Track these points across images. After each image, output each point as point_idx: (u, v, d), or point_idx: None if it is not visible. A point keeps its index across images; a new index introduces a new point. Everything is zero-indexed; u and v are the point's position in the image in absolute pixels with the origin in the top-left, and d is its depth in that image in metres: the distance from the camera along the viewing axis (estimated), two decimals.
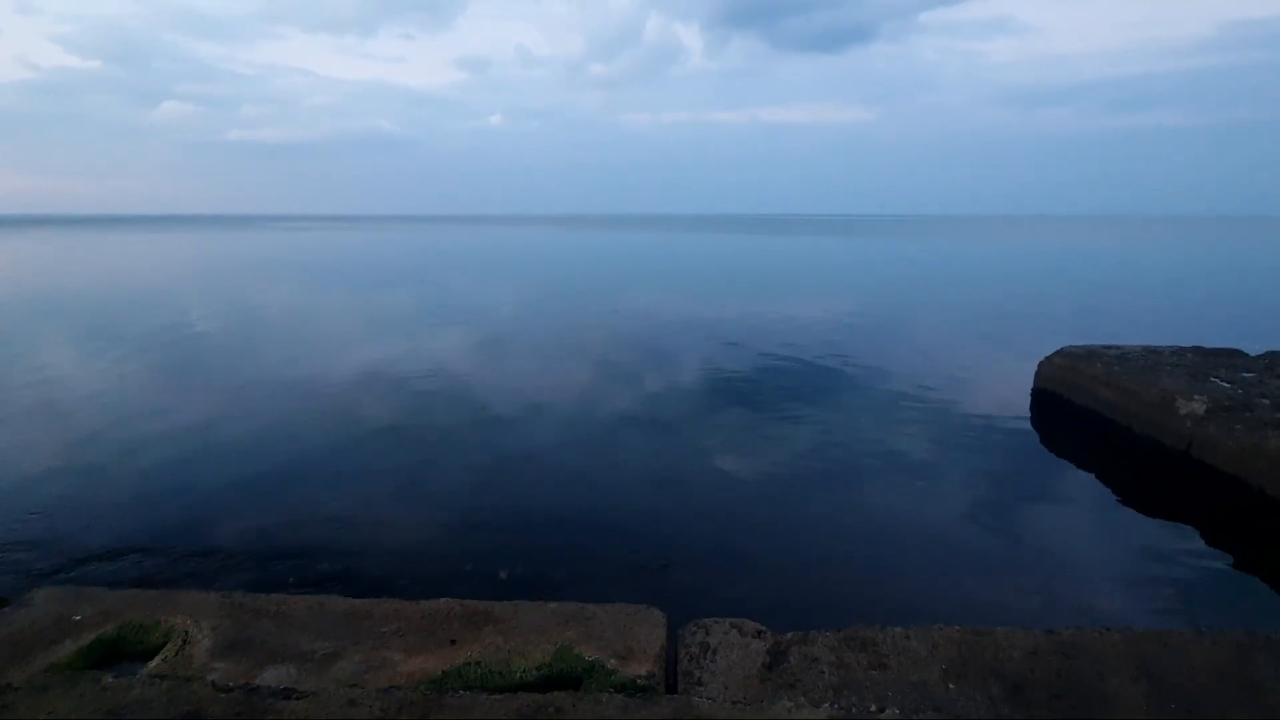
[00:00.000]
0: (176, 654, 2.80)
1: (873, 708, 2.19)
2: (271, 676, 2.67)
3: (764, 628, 2.94)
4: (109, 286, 21.65)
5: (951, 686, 2.54)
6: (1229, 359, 7.23)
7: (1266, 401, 5.69)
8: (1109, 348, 7.75)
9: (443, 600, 3.18)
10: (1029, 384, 8.19)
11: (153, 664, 2.77)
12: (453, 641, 2.87)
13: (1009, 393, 8.31)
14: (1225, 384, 6.22)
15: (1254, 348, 7.64)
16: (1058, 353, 7.84)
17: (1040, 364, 8.03)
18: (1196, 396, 5.82)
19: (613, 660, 2.72)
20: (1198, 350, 7.58)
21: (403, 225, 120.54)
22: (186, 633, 2.93)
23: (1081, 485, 5.80)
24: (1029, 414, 7.65)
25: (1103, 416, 6.71)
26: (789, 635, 2.88)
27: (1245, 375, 6.53)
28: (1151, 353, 7.46)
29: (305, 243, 53.76)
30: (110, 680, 2.34)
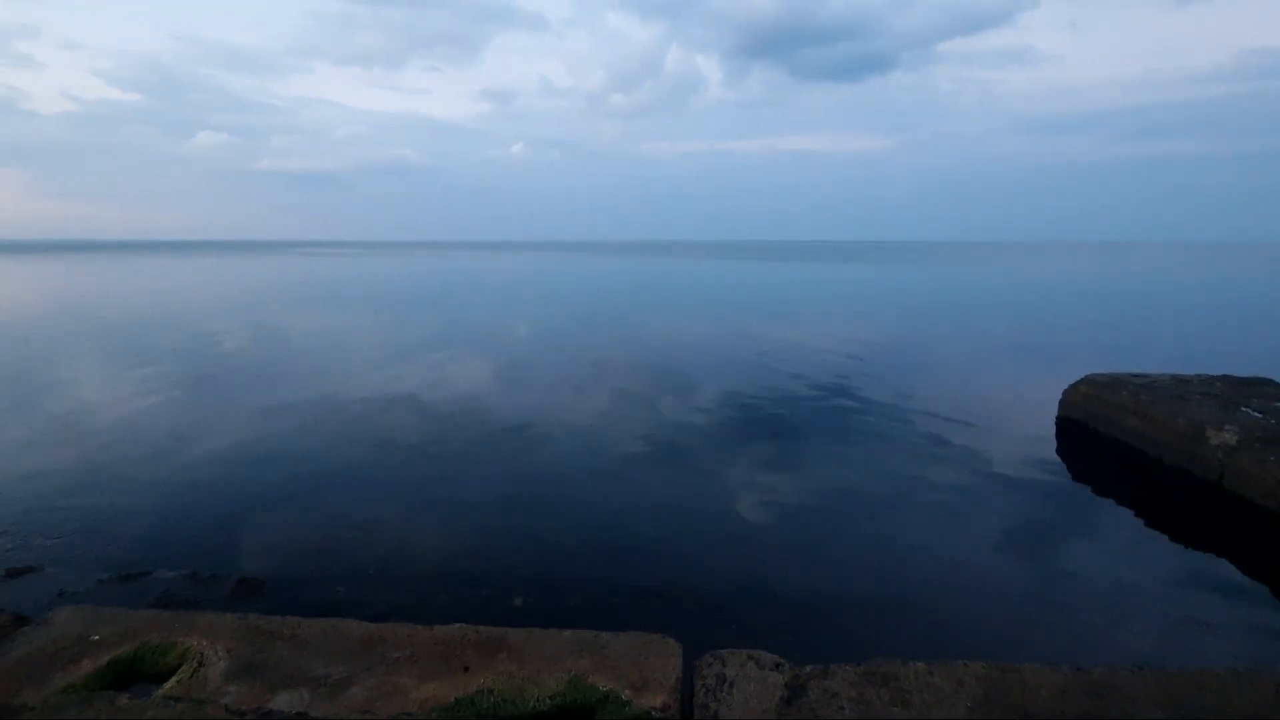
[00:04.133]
0: (191, 676, 2.80)
1: None
2: (284, 701, 2.65)
3: (782, 660, 2.88)
4: (140, 308, 22.18)
5: None
6: (1260, 388, 7.05)
7: None
8: (1135, 376, 7.61)
9: (456, 626, 3.16)
10: (1053, 412, 8.04)
11: (168, 685, 2.77)
12: (466, 668, 2.84)
13: (1033, 421, 8.16)
14: (1257, 414, 6.06)
15: None
16: (1082, 380, 7.71)
17: (1065, 392, 7.89)
18: (1227, 426, 5.67)
19: (627, 691, 2.67)
20: (1227, 379, 7.41)
21: (425, 251, 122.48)
22: (202, 654, 2.94)
23: (1109, 516, 5.65)
24: (1054, 443, 7.50)
25: (1130, 446, 6.56)
26: (808, 668, 2.81)
27: (1277, 405, 6.36)
28: (1180, 381, 7.31)
29: (331, 268, 54.82)
30: (125, 701, 2.35)
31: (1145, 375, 7.65)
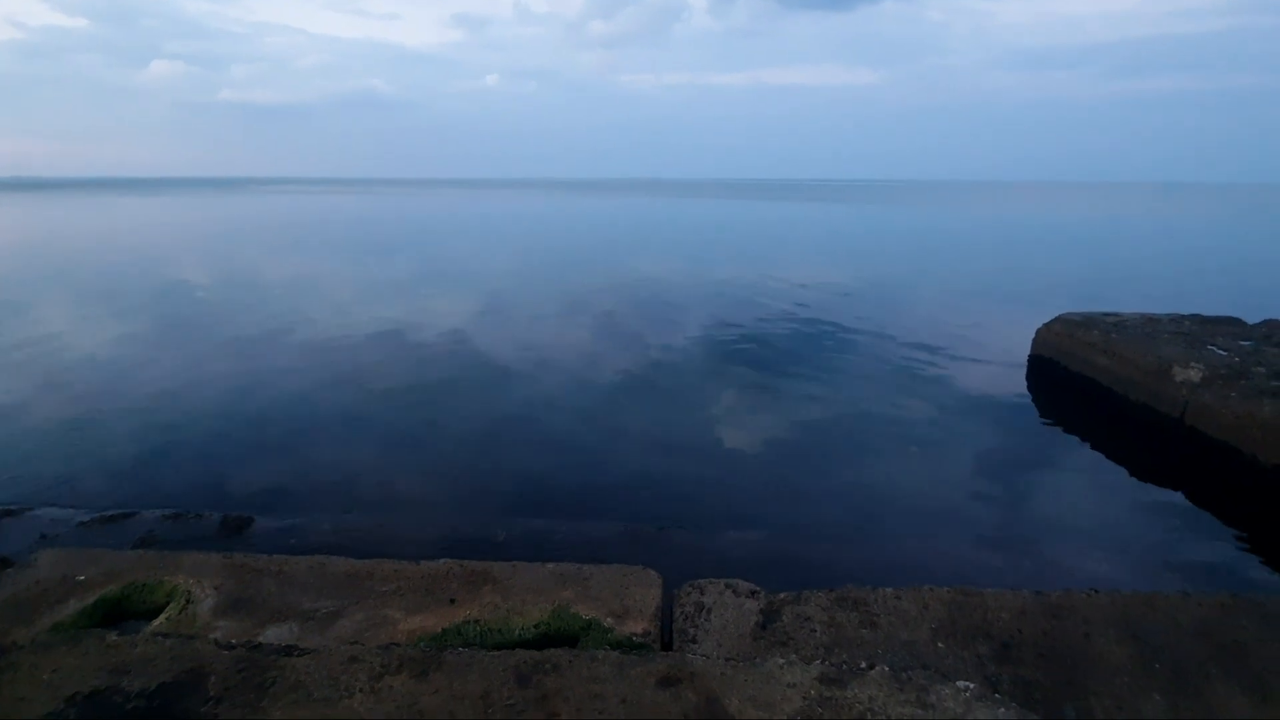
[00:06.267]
0: (180, 613, 2.85)
1: (862, 664, 2.24)
2: (274, 634, 2.71)
3: (758, 588, 2.99)
4: (105, 251, 21.44)
5: (940, 645, 2.60)
6: (1227, 327, 7.22)
7: (1262, 370, 5.70)
8: (1108, 315, 7.73)
9: (442, 561, 3.22)
10: (1027, 351, 8.19)
11: (156, 622, 2.81)
12: (452, 601, 2.92)
13: (1007, 359, 8.33)
14: (1222, 352, 6.22)
15: (1253, 316, 7.63)
16: (1056, 320, 7.82)
17: (1038, 331, 8.01)
18: (1193, 364, 5.83)
19: (609, 619, 2.77)
20: (1196, 318, 7.57)
21: (398, 189, 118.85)
22: (189, 592, 2.98)
23: (1075, 452, 5.85)
24: (1025, 380, 7.68)
25: (1099, 383, 6.73)
26: (782, 595, 2.93)
27: (1243, 344, 6.53)
28: (1150, 320, 7.45)
29: (301, 207, 53.12)
30: (114, 638, 2.38)
31: (1117, 315, 7.78)
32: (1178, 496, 4.94)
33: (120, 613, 2.94)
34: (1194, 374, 5.70)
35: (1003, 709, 2.01)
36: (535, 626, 2.73)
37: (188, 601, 2.92)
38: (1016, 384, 7.57)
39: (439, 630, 2.71)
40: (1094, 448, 5.84)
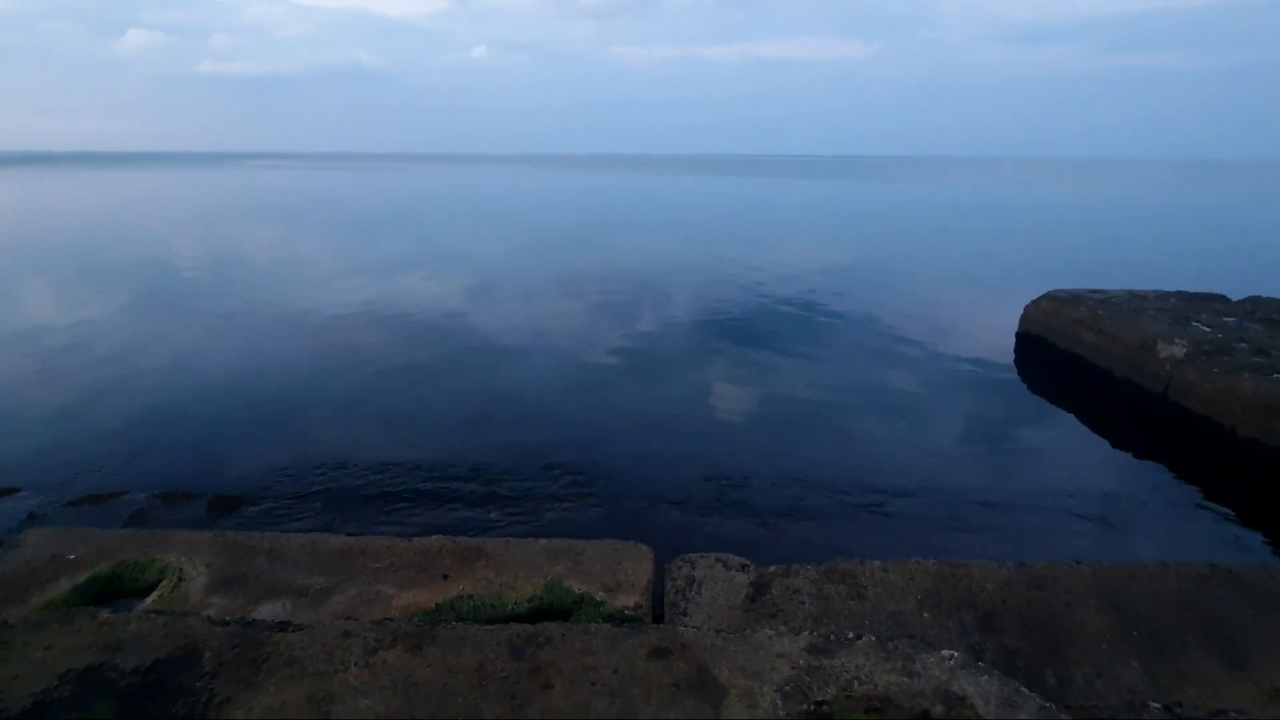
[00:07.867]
0: (172, 590, 2.85)
1: (850, 635, 2.29)
2: (267, 611, 2.73)
3: (748, 562, 3.03)
4: (85, 228, 21.04)
5: (926, 615, 2.65)
6: (1211, 304, 7.29)
7: (1245, 345, 5.78)
8: (1095, 292, 7.79)
9: (435, 537, 3.24)
10: (1015, 327, 8.26)
11: (149, 600, 2.81)
12: (445, 576, 2.94)
13: (994, 336, 8.39)
14: (1206, 328, 6.29)
15: (1238, 292, 7.71)
16: (1044, 296, 7.87)
17: (1026, 307, 8.07)
18: (1177, 340, 5.90)
19: (601, 593, 2.80)
20: (1181, 295, 7.64)
21: (383, 164, 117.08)
22: (181, 570, 2.98)
23: (1061, 427, 5.94)
24: (1013, 356, 7.75)
25: (1084, 359, 6.80)
26: (772, 569, 2.97)
27: (1226, 320, 6.60)
28: (1136, 297, 7.51)
29: (284, 183, 52.20)
30: (107, 616, 2.38)
31: (1104, 291, 7.83)
32: (1160, 470, 5.03)
33: (112, 591, 2.94)
34: (1178, 350, 5.77)
35: (985, 676, 2.06)
36: (528, 601, 2.76)
37: (180, 579, 2.92)
38: (1004, 360, 7.64)
39: (432, 605, 2.73)
40: (1079, 422, 5.93)
